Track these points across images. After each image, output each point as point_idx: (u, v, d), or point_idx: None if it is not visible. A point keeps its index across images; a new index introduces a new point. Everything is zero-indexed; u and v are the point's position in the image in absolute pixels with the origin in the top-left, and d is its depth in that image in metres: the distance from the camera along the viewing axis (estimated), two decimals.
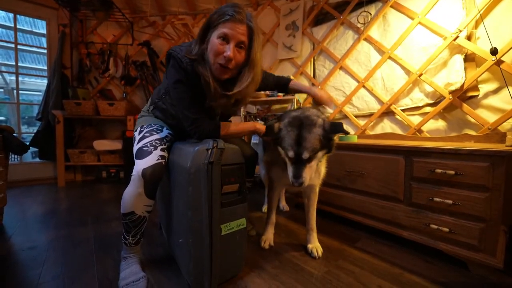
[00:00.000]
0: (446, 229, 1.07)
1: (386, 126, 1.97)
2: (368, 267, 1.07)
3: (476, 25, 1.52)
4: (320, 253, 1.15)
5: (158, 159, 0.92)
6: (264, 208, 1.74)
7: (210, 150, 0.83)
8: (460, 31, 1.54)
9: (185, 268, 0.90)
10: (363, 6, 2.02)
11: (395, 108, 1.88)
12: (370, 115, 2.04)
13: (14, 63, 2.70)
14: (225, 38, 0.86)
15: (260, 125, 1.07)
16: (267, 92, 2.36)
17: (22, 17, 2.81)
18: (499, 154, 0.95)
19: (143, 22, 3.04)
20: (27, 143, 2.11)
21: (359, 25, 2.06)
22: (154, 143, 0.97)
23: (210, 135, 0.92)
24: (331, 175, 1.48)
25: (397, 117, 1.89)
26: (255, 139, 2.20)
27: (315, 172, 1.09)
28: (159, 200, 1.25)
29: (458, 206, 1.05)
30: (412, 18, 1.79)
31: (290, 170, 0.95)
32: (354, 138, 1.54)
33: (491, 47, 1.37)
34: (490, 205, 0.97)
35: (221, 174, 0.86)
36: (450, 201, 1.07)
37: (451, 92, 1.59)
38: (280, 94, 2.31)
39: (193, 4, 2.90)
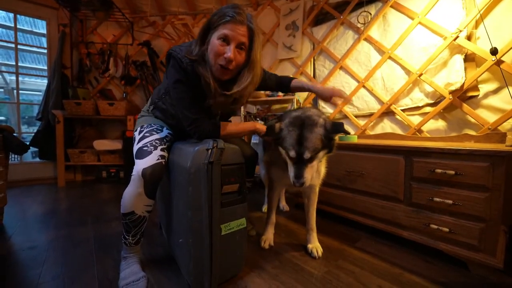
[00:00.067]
0: (446, 229, 1.07)
1: (386, 126, 1.97)
2: (368, 267, 1.07)
3: (476, 25, 1.52)
4: (320, 253, 1.15)
5: (158, 159, 0.92)
6: (264, 208, 1.74)
7: (210, 150, 0.83)
8: (460, 31, 1.54)
9: (185, 268, 0.90)
10: (363, 6, 2.02)
11: (395, 108, 1.88)
12: (370, 115, 2.04)
13: (14, 63, 2.70)
14: (225, 39, 0.86)
15: (260, 125, 1.07)
16: (267, 92, 2.36)
17: (22, 17, 2.81)
18: (499, 154, 0.95)
19: (143, 22, 3.04)
20: (27, 143, 2.10)
21: (359, 25, 2.06)
22: (154, 143, 0.97)
23: (210, 135, 0.93)
24: (331, 175, 1.48)
25: (397, 117, 1.89)
26: (255, 139, 2.19)
27: (315, 172, 1.09)
28: (159, 200, 1.25)
29: (458, 206, 1.05)
30: (412, 18, 1.79)
31: (291, 170, 0.95)
32: (354, 138, 1.54)
33: (491, 47, 1.37)
34: (490, 205, 0.97)
35: (221, 174, 0.86)
36: (450, 201, 1.07)
37: (451, 92, 1.59)
38: (280, 94, 2.31)
39: (193, 4, 2.90)
